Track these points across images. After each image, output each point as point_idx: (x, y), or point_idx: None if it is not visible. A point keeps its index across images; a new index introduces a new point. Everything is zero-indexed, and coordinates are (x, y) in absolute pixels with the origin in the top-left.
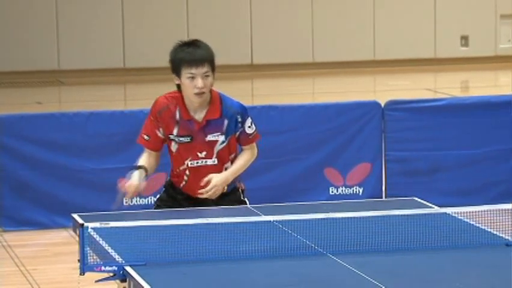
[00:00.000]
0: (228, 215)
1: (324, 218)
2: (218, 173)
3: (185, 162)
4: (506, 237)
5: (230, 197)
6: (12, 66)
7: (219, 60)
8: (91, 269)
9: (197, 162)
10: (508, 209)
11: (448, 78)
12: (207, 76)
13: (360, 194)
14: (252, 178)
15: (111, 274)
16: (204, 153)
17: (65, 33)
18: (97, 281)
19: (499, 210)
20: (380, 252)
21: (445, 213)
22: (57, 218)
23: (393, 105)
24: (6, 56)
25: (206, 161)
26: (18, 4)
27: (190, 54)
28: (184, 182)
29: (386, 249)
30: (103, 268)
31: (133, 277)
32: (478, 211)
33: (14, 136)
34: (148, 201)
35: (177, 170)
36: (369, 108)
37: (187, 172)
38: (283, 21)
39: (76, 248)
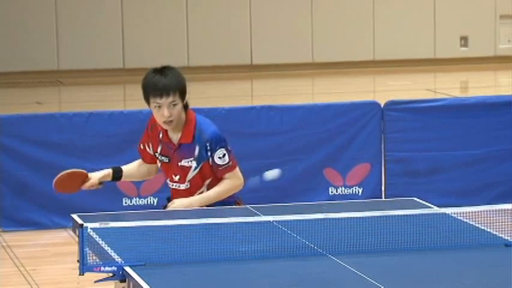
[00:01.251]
0: (228, 215)
1: (323, 219)
2: (195, 193)
3: (165, 182)
4: (506, 238)
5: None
6: (12, 66)
7: (218, 61)
8: (90, 269)
9: (172, 185)
10: (507, 209)
11: (447, 79)
12: (174, 105)
13: (360, 194)
14: (251, 178)
15: (110, 274)
16: (178, 177)
17: (64, 33)
18: (96, 281)
19: (498, 210)
20: (380, 252)
21: (445, 213)
22: (56, 219)
23: (392, 105)
24: (6, 56)
25: (179, 185)
26: (17, 5)
27: (156, 84)
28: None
29: (386, 250)
30: (102, 268)
31: (133, 277)
32: (477, 211)
33: (14, 136)
34: (147, 201)
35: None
36: (369, 108)
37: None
38: (282, 21)
39: (76, 248)
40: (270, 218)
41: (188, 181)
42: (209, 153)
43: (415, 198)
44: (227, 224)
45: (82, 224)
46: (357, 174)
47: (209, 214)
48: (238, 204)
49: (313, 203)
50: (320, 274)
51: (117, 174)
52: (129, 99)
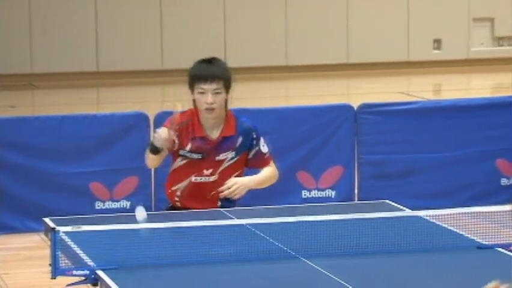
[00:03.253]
0: (201, 218)
1: (296, 221)
2: (219, 187)
3: (188, 179)
4: (478, 240)
5: None
6: None
7: (191, 64)
8: (63, 273)
9: (200, 179)
10: (479, 212)
11: (420, 82)
12: (218, 93)
13: (333, 197)
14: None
15: (82, 278)
16: (210, 170)
17: (38, 36)
18: (68, 285)
19: (471, 213)
20: (352, 255)
21: (417, 216)
22: (29, 222)
23: (366, 108)
24: None
25: (209, 178)
26: None
27: (202, 70)
28: (178, 203)
29: (358, 252)
30: (74, 272)
31: (105, 281)
32: (450, 214)
33: None
34: (120, 205)
35: (170, 189)
36: (342, 111)
37: (178, 193)
38: (256, 24)
39: (48, 252)
40: (243, 221)
41: (218, 173)
42: (254, 142)
43: (388, 201)
44: (200, 227)
45: (54, 228)
46: (330, 177)
47: (182, 217)
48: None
49: (286, 206)
50: (293, 277)
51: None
52: (103, 103)
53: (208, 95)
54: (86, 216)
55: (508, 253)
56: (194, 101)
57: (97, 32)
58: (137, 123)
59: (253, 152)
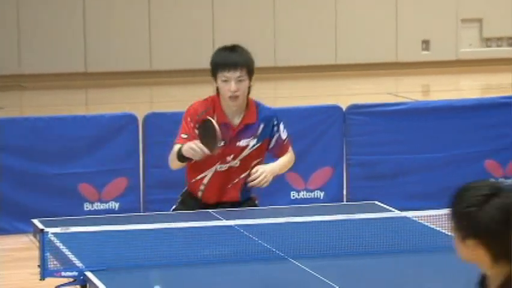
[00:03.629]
0: (189, 219)
1: (285, 222)
2: (241, 175)
3: (209, 172)
4: None
5: (245, 206)
6: None
7: (181, 65)
8: (51, 274)
9: (225, 166)
10: None
11: (409, 82)
12: (241, 80)
13: (322, 198)
14: None
15: (71, 279)
16: (232, 156)
17: (26, 37)
18: (57, 286)
19: None
20: (341, 256)
21: (405, 217)
22: (17, 223)
23: (354, 109)
24: None
25: (232, 164)
26: None
27: (225, 58)
28: (200, 192)
29: (347, 253)
30: (63, 273)
31: (93, 282)
32: (439, 215)
33: None
34: (109, 206)
35: (194, 179)
36: (331, 112)
37: (205, 181)
38: (245, 25)
39: (36, 253)
40: (231, 222)
41: (240, 160)
42: (275, 128)
43: (376, 202)
44: (189, 228)
45: (43, 229)
46: (319, 178)
47: (170, 219)
48: (254, 200)
49: (275, 207)
50: (281, 278)
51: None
52: (91, 104)
53: (231, 83)
54: (75, 217)
55: None
56: (217, 88)
57: (85, 33)
58: (126, 124)
59: (274, 138)
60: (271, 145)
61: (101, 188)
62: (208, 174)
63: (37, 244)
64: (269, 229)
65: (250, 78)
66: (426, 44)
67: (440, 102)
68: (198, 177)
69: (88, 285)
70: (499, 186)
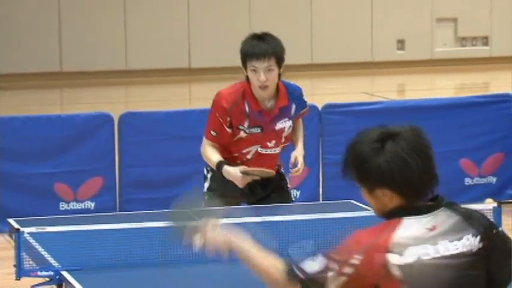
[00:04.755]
0: (166, 219)
1: (261, 222)
2: (278, 158)
3: (253, 148)
4: None
5: (275, 184)
6: None
7: (157, 64)
8: (27, 274)
9: (265, 151)
10: None
11: (384, 82)
12: (270, 70)
13: (298, 197)
14: (190, 182)
15: (47, 279)
16: (274, 142)
17: (1, 37)
18: (33, 286)
19: None
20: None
21: None
22: None
23: (330, 108)
24: None
25: (275, 150)
26: None
27: (254, 47)
28: (241, 161)
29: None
30: (39, 273)
31: (69, 282)
32: None
33: None
34: (84, 205)
35: (238, 153)
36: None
37: (249, 156)
38: (221, 25)
39: (12, 253)
40: None
41: (281, 146)
42: (305, 104)
43: (352, 201)
44: (164, 228)
45: (19, 229)
46: (295, 178)
47: (145, 218)
48: (280, 166)
49: (250, 206)
50: (255, 277)
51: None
52: (66, 103)
53: (260, 73)
54: (51, 217)
55: None
56: (247, 77)
57: (60, 33)
58: (102, 123)
59: (304, 110)
60: (299, 114)
61: (77, 187)
62: (252, 149)
63: (13, 244)
64: (243, 228)
65: (280, 66)
66: (401, 44)
67: (415, 102)
68: (244, 150)
69: (63, 284)
70: (388, 131)
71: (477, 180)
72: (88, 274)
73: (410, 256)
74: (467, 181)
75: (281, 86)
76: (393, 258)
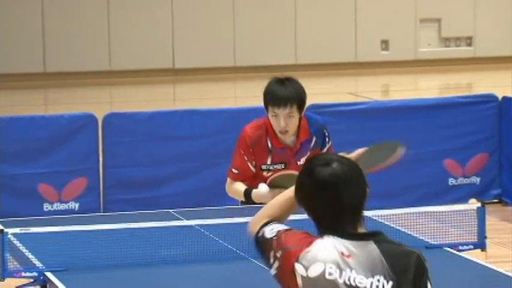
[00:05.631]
0: (150, 219)
1: (245, 222)
2: None
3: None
4: (426, 240)
5: None
6: None
7: (141, 65)
8: (11, 274)
9: None
10: (428, 212)
11: (368, 82)
12: (291, 116)
13: None
14: (174, 182)
15: (31, 280)
16: None
17: None
18: (17, 287)
19: (420, 212)
20: None
21: (365, 216)
22: None
23: (314, 109)
24: None
25: None
26: None
27: (276, 93)
28: None
29: None
30: (23, 274)
31: (53, 283)
32: (399, 214)
33: None
34: (69, 206)
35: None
36: None
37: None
38: (205, 25)
39: None
40: (192, 222)
41: None
42: (327, 139)
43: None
44: (149, 228)
45: (3, 230)
46: None
47: (131, 219)
48: None
49: (236, 206)
50: (242, 277)
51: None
52: (50, 104)
53: (281, 120)
54: (35, 217)
55: (456, 253)
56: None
57: (44, 33)
58: (86, 124)
59: (325, 149)
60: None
61: (61, 188)
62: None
63: None
64: (230, 229)
65: (301, 112)
66: (385, 44)
67: (400, 102)
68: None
69: (48, 285)
70: (328, 160)
71: (461, 180)
72: (72, 275)
73: (314, 271)
74: (451, 181)
75: (303, 120)
76: (300, 269)
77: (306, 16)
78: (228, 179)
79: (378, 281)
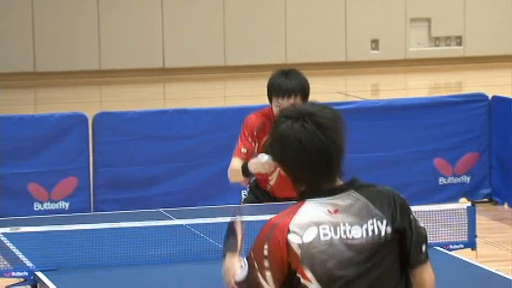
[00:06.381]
0: (140, 219)
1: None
2: None
3: (276, 173)
4: None
5: None
6: None
7: (131, 64)
8: (1, 274)
9: None
10: (418, 211)
11: (358, 82)
12: None
13: None
14: (164, 182)
15: (22, 279)
16: None
17: None
18: (7, 287)
19: None
20: None
21: None
22: None
23: None
24: None
25: None
26: None
27: (280, 84)
28: (269, 186)
29: None
30: (13, 273)
31: (44, 282)
32: None
33: None
34: (59, 206)
35: (261, 179)
36: None
37: (271, 183)
38: (194, 25)
39: None
40: (183, 221)
41: None
42: None
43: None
44: (139, 227)
45: None
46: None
47: (120, 219)
48: None
49: (226, 205)
50: None
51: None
52: (40, 103)
53: None
54: (25, 217)
55: (446, 252)
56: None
57: (33, 32)
58: (76, 123)
59: None
60: None
61: (51, 187)
62: (274, 176)
63: None
64: (220, 228)
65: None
66: (375, 43)
67: (389, 102)
68: (261, 179)
69: (38, 285)
70: (302, 111)
71: (451, 179)
72: (63, 274)
73: (308, 236)
74: (441, 181)
75: None
76: (294, 238)
77: (296, 16)
78: (233, 158)
79: (372, 224)
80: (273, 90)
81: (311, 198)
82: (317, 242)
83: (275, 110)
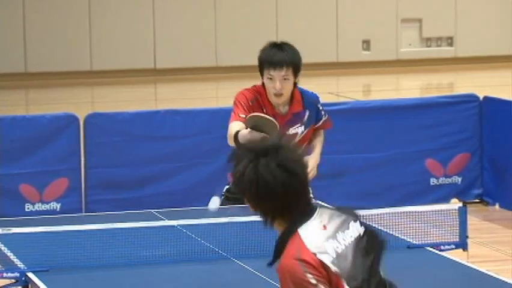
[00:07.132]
0: (132, 220)
1: (227, 222)
2: None
3: None
4: (408, 240)
5: None
6: None
7: (122, 65)
8: None
9: None
10: (409, 212)
11: (350, 82)
12: (286, 79)
13: None
14: (156, 183)
15: (13, 280)
16: None
17: None
18: None
19: (401, 212)
20: None
21: None
22: None
23: None
24: None
25: None
26: None
27: (272, 56)
28: None
29: None
30: (4, 275)
31: (35, 283)
32: (380, 214)
33: None
34: (50, 206)
35: None
36: None
37: None
38: (186, 25)
39: None
40: (174, 223)
41: None
42: (322, 113)
43: (318, 201)
44: (131, 228)
45: None
46: None
47: (112, 219)
48: None
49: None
50: (224, 277)
51: None
52: (32, 104)
53: (276, 82)
54: (16, 218)
55: (438, 252)
56: (263, 82)
57: (25, 33)
58: (67, 124)
59: (321, 122)
60: (317, 125)
61: (43, 188)
62: None
63: None
64: (212, 229)
65: (296, 76)
66: (366, 44)
67: (381, 102)
68: None
69: (29, 286)
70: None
71: (442, 180)
72: (54, 275)
73: (332, 251)
74: (433, 181)
75: (296, 92)
76: (324, 257)
77: (288, 16)
78: (232, 123)
79: (352, 225)
80: (265, 62)
81: (299, 226)
82: (339, 254)
83: (267, 82)
